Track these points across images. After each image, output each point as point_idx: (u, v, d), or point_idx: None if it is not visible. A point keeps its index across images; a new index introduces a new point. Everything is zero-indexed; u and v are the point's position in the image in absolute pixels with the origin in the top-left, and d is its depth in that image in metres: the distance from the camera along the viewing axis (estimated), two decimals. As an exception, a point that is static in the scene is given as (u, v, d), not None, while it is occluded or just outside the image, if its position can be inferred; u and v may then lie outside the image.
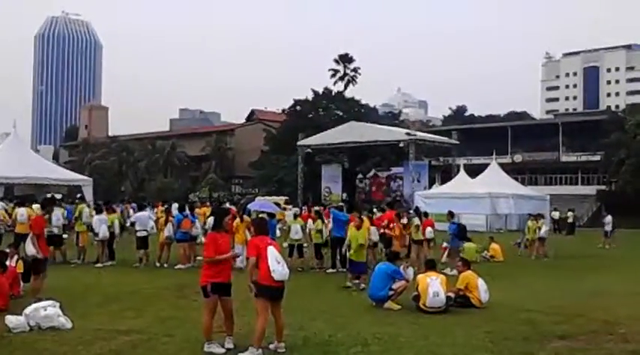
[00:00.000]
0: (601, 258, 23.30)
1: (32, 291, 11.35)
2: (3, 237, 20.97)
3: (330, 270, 17.38)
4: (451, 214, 20.07)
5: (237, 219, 17.51)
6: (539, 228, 23.25)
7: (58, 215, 18.04)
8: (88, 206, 21.91)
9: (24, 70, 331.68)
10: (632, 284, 15.25)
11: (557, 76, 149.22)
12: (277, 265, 7.70)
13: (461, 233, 19.16)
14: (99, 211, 19.68)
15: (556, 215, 42.68)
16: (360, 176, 57.86)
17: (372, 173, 56.01)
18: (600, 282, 15.82)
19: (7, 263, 12.39)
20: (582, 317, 10.71)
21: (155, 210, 29.19)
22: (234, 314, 8.31)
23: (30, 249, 11.54)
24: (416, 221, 19.05)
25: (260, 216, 15.14)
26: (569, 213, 41.84)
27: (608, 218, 29.70)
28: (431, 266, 12.16)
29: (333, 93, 72.29)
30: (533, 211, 41.05)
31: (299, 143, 55.22)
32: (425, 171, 51.78)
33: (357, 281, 14.10)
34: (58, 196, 30.38)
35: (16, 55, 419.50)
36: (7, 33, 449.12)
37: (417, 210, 23.07)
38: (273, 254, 7.75)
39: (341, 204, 25.44)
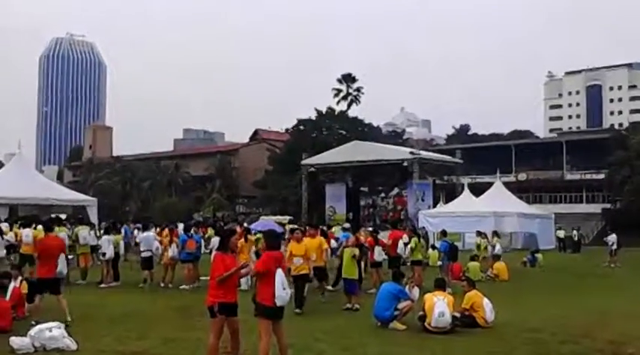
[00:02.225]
0: (607, 277, 23.19)
1: (38, 310, 11.28)
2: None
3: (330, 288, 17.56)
4: (443, 233, 20.03)
5: (242, 239, 17.51)
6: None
7: (63, 236, 18.02)
8: (92, 227, 21.89)
9: (29, 90, 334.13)
10: (638, 304, 15.17)
11: (560, 95, 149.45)
12: (282, 291, 7.73)
13: (451, 252, 19.03)
14: (106, 231, 19.70)
15: (561, 234, 42.56)
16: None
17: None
18: (606, 302, 15.74)
19: (12, 284, 12.39)
20: (588, 337, 10.67)
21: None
22: (240, 335, 8.29)
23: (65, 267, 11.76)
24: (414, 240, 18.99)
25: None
26: (574, 232, 41.74)
27: (612, 236, 29.56)
28: (439, 285, 12.11)
29: (337, 113, 72.53)
30: (538, 230, 41.27)
31: (302, 162, 55.25)
32: (429, 190, 51.69)
33: (349, 304, 14.01)
34: (63, 216, 30.38)
35: (20, 76, 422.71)
36: (13, 54, 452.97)
37: (414, 229, 23.05)
38: (280, 278, 7.76)
39: (347, 224, 25.39)
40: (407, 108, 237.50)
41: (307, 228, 20.02)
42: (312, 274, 14.18)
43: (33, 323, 10.32)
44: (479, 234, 24.53)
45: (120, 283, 18.49)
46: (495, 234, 25.12)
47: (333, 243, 21.92)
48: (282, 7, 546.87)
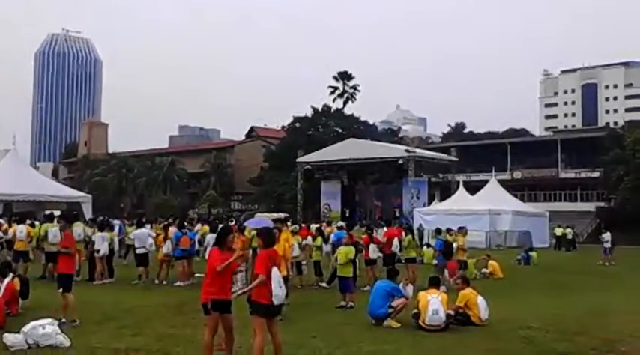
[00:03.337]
0: (601, 275, 23.25)
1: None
2: None
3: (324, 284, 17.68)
4: (438, 231, 19.98)
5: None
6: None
7: (55, 232, 17.92)
8: (88, 225, 21.80)
9: (24, 86, 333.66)
10: (632, 302, 15.23)
11: (556, 93, 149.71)
12: (279, 289, 7.68)
13: (446, 250, 18.89)
14: (101, 228, 19.66)
15: (559, 231, 42.65)
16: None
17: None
18: (601, 300, 15.79)
19: (5, 280, 12.30)
20: (583, 335, 10.69)
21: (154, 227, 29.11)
22: (235, 332, 8.27)
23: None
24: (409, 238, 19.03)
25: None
26: (568, 230, 41.84)
27: (607, 235, 29.65)
28: (433, 283, 12.10)
29: (333, 110, 72.64)
30: (532, 228, 41.33)
31: (298, 160, 55.32)
32: (424, 187, 51.84)
33: (343, 302, 14.00)
34: (57, 213, 30.28)
35: (16, 71, 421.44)
36: (8, 50, 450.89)
37: (409, 227, 23.08)
38: (276, 276, 7.71)
39: (341, 223, 25.40)
40: (402, 105, 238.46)
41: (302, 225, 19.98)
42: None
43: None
44: (449, 231, 24.51)
45: (114, 280, 18.44)
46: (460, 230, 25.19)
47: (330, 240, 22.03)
48: (278, 4, 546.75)
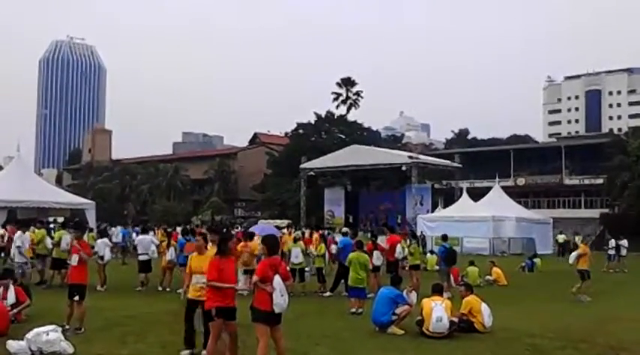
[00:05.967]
0: (605, 282, 23.14)
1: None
2: None
3: (328, 294, 17.60)
4: (444, 237, 19.95)
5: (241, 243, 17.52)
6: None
7: (68, 239, 17.89)
8: (90, 230, 21.87)
9: (28, 93, 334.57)
10: (637, 309, 15.16)
11: (559, 99, 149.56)
12: (280, 298, 7.64)
13: (449, 257, 18.79)
14: (102, 235, 19.69)
15: (561, 238, 42.57)
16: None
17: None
18: (605, 307, 15.74)
19: (12, 287, 12.30)
20: (586, 342, 10.65)
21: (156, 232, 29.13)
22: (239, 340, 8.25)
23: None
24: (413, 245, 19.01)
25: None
26: (577, 237, 41.75)
27: (612, 242, 29.60)
28: (437, 290, 12.07)
29: (336, 117, 72.60)
30: (536, 234, 41.26)
31: (302, 166, 55.28)
32: (428, 194, 51.81)
33: (353, 309, 13.99)
34: (60, 219, 30.30)
35: (20, 78, 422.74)
36: (12, 57, 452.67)
37: (413, 233, 23.03)
38: (278, 285, 7.69)
39: (345, 229, 25.37)
40: (406, 112, 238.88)
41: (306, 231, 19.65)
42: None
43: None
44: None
45: (107, 286, 18.23)
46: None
47: (333, 247, 22.01)
48: (281, 10, 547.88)
